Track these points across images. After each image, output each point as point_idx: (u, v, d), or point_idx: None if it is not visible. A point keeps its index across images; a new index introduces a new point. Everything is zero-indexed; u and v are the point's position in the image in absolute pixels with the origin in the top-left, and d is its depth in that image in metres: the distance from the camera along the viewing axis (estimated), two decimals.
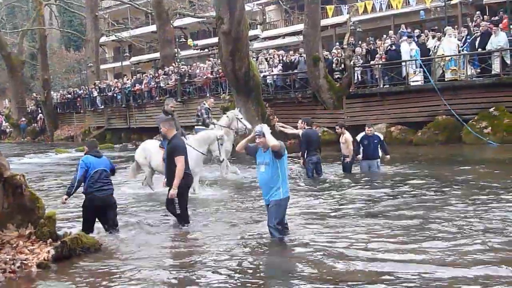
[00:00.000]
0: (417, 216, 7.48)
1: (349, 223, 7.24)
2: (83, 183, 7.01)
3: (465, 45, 16.61)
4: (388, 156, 11.79)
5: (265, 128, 6.42)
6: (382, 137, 11.72)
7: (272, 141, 6.27)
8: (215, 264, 5.71)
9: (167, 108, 10.30)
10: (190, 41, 32.03)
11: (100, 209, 7.10)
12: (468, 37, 16.66)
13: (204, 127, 11.86)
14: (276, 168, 6.37)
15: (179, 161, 7.14)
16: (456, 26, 20.01)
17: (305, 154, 11.44)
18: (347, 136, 11.77)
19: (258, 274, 5.38)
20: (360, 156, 11.50)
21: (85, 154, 7.29)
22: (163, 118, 9.61)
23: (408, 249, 5.86)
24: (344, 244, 6.18)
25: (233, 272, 5.39)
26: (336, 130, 12.33)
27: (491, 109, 15.61)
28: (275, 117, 16.17)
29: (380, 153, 11.59)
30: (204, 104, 12.47)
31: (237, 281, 5.17)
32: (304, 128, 11.66)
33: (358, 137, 11.55)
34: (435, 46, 17.30)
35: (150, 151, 10.61)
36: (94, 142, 7.66)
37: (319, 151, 11.59)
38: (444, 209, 7.82)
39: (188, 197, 7.63)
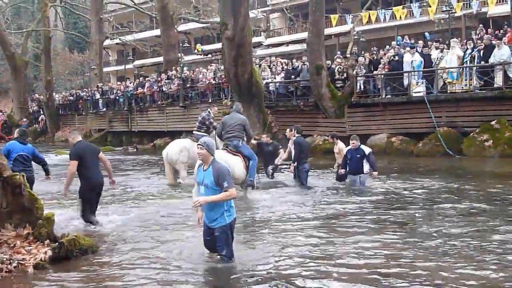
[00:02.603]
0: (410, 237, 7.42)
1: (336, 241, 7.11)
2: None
3: (471, 54, 16.54)
4: (375, 173, 10.99)
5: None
6: (368, 151, 10.91)
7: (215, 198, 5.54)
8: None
9: (239, 109, 10.83)
10: (198, 46, 32.15)
11: None
12: (475, 49, 16.68)
13: (204, 134, 11.83)
14: (219, 192, 5.58)
15: (71, 164, 7.77)
16: (459, 39, 20.04)
17: (298, 162, 11.39)
18: (340, 145, 11.84)
19: None
20: (343, 170, 11.15)
21: (13, 139, 8.47)
22: (238, 119, 10.23)
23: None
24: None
25: None
26: (329, 140, 12.30)
27: (493, 122, 15.61)
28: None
29: (367, 168, 10.92)
30: (210, 112, 12.47)
31: None
32: (294, 136, 11.68)
33: (345, 151, 11.27)
34: (437, 58, 17.33)
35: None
36: (23, 131, 9.12)
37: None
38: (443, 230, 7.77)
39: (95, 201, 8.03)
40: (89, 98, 33.44)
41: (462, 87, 16.69)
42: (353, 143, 10.95)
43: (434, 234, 6.96)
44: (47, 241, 6.25)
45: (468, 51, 16.78)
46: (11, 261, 5.81)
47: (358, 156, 10.83)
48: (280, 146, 12.63)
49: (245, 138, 10.30)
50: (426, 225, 7.51)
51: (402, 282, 5.15)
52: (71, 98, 36.33)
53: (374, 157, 11.10)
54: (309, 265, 5.78)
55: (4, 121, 11.69)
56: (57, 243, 6.18)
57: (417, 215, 8.31)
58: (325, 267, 5.69)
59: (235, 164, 9.61)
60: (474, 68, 16.47)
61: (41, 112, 38.04)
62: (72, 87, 43.11)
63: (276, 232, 7.40)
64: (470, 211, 8.43)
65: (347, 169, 11.05)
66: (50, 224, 6.43)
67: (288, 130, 12.31)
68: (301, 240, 6.85)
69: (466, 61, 16.69)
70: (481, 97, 16.21)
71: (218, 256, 5.81)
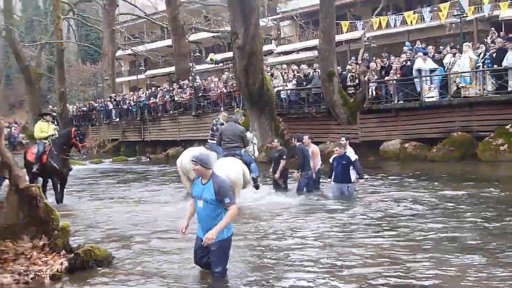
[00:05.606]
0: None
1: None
2: None
3: (484, 59, 16.41)
4: (361, 180, 10.48)
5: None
6: (354, 158, 10.32)
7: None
8: None
9: (237, 119, 11.53)
10: (212, 55, 32.44)
11: None
12: (487, 53, 16.54)
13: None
14: (220, 207, 5.41)
15: None
16: (471, 42, 19.90)
17: (301, 169, 11.20)
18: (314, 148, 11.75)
19: None
20: (329, 180, 10.85)
21: None
22: (238, 130, 10.92)
23: None
24: None
25: None
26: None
27: (508, 126, 15.43)
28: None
29: (354, 177, 10.36)
30: (219, 119, 12.59)
31: None
32: (296, 145, 11.57)
33: (331, 158, 10.89)
34: (450, 62, 17.22)
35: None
36: None
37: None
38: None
39: None
40: (102, 108, 33.74)
41: (476, 92, 16.54)
42: (336, 150, 10.54)
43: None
44: (63, 252, 6.29)
45: (481, 55, 16.64)
46: (28, 272, 5.85)
47: (344, 162, 10.28)
48: (284, 156, 12.33)
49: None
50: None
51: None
52: (85, 109, 36.67)
53: (359, 163, 10.49)
54: (304, 273, 5.76)
55: (78, 128, 11.58)
56: (73, 254, 6.22)
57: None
58: (323, 278, 5.66)
59: (231, 167, 10.20)
60: (488, 72, 16.32)
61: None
62: (86, 98, 43.53)
63: (277, 241, 7.38)
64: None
65: (332, 178, 10.58)
66: (66, 235, 6.48)
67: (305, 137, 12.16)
68: (298, 250, 6.81)
69: (479, 66, 16.54)
70: (495, 101, 16.05)
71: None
